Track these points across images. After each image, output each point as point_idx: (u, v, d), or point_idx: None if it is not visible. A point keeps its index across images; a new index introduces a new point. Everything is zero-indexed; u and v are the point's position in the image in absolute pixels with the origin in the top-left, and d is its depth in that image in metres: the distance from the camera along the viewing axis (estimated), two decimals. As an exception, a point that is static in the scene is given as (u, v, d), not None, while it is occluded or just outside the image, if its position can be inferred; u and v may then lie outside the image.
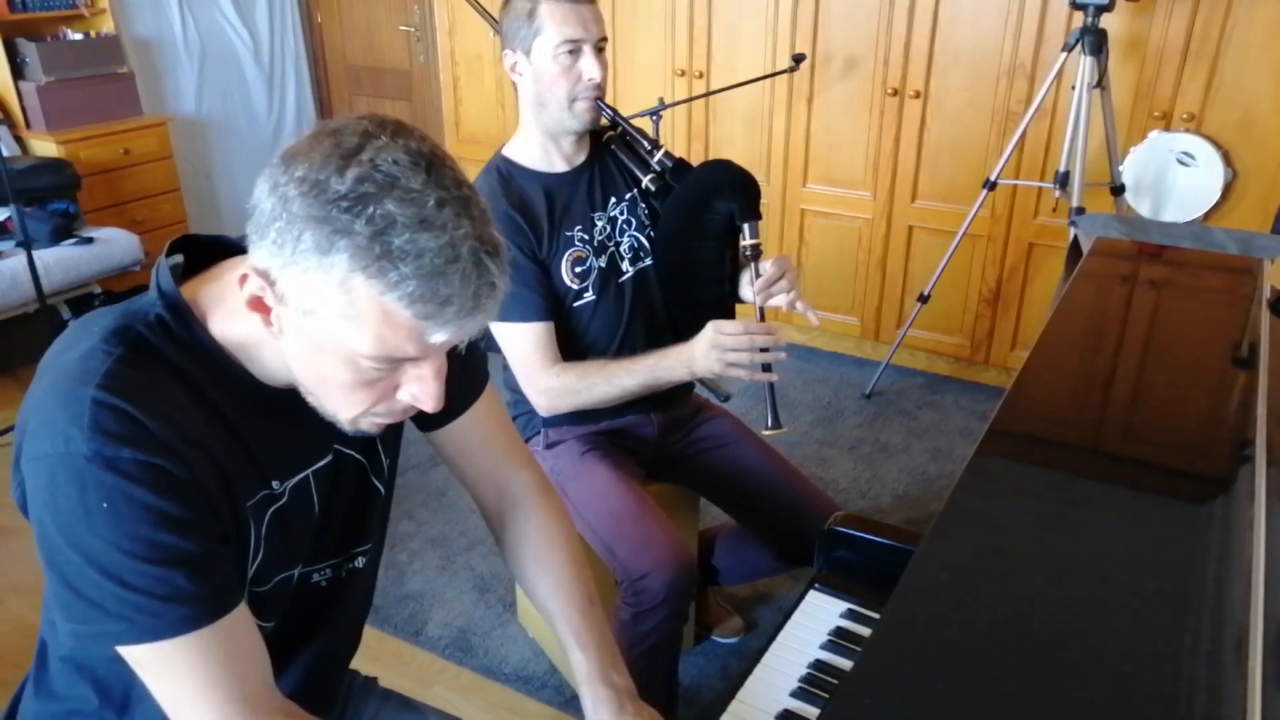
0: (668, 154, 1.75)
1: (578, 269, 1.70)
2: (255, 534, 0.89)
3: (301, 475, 0.93)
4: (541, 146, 1.71)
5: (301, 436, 0.93)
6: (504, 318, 1.65)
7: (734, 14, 3.34)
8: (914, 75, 3.09)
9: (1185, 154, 2.71)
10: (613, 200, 1.76)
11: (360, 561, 1.06)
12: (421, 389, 0.83)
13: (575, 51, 1.60)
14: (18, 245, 3.11)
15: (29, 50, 3.76)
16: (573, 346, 1.72)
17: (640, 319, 1.77)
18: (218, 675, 0.81)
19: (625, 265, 1.76)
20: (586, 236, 1.72)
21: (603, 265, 1.73)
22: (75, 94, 3.87)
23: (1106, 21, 2.58)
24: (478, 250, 0.75)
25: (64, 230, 3.55)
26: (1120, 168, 2.77)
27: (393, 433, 1.06)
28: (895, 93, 3.13)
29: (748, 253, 1.65)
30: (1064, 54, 2.64)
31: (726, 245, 1.72)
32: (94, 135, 3.90)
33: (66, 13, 3.93)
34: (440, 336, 0.76)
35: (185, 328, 0.84)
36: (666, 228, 1.76)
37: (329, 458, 0.96)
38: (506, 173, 1.70)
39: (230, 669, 0.81)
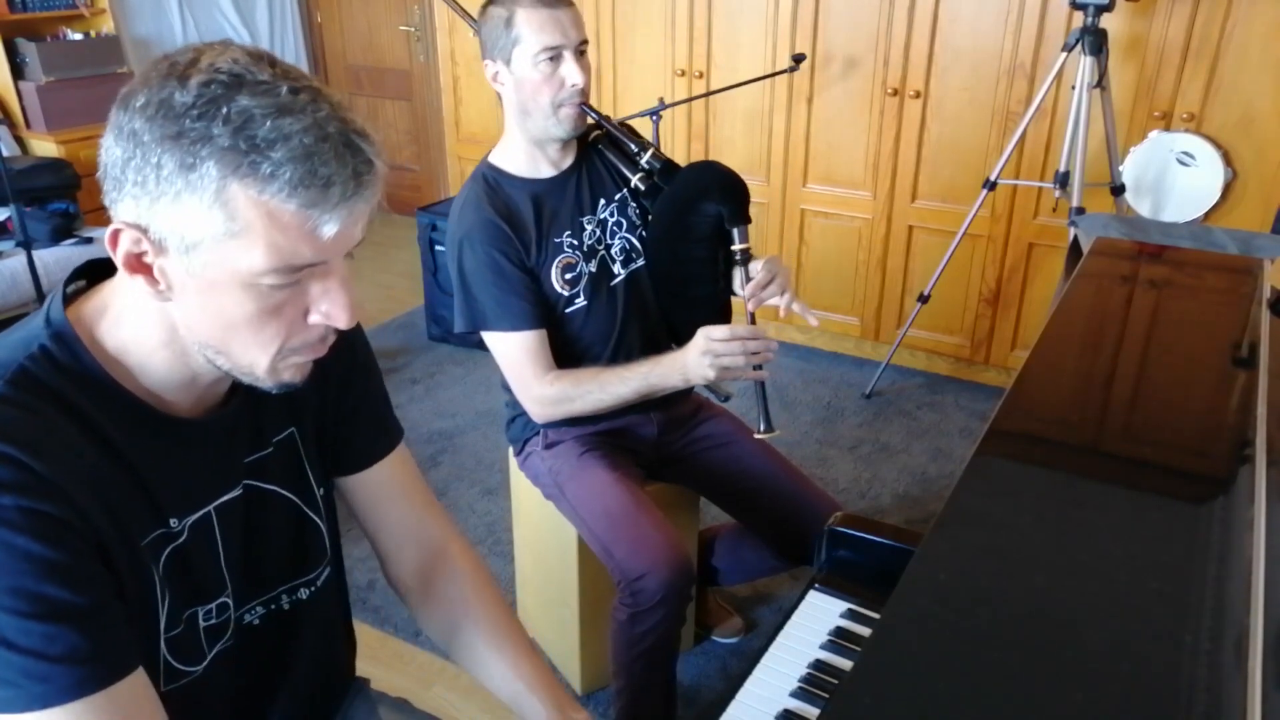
0: (655, 155, 1.72)
1: (568, 275, 1.69)
2: (156, 575, 0.83)
3: (203, 511, 0.88)
4: (527, 154, 1.69)
5: (204, 469, 0.87)
6: (494, 327, 1.65)
7: (734, 14, 3.34)
8: (914, 75, 3.09)
9: (1185, 154, 2.71)
10: (602, 202, 1.75)
11: (305, 593, 1.01)
12: (331, 303, 0.78)
13: (556, 58, 1.57)
14: (18, 245, 3.10)
15: (29, 50, 3.77)
16: (567, 353, 1.71)
17: (635, 321, 1.77)
18: None
19: (617, 268, 1.75)
20: (576, 242, 1.71)
21: (593, 270, 1.72)
22: (75, 94, 3.87)
23: (1106, 21, 2.58)
24: (345, 130, 0.72)
25: (64, 230, 3.55)
26: (1120, 168, 2.77)
27: (324, 462, 1.02)
28: (895, 93, 3.13)
29: (738, 258, 1.64)
30: (1064, 54, 2.64)
31: (717, 245, 1.71)
32: (94, 135, 3.86)
33: (66, 13, 3.93)
34: (331, 227, 0.72)
35: (72, 355, 0.77)
36: (656, 231, 1.75)
37: (237, 492, 0.91)
38: (494, 180, 1.69)
39: None
